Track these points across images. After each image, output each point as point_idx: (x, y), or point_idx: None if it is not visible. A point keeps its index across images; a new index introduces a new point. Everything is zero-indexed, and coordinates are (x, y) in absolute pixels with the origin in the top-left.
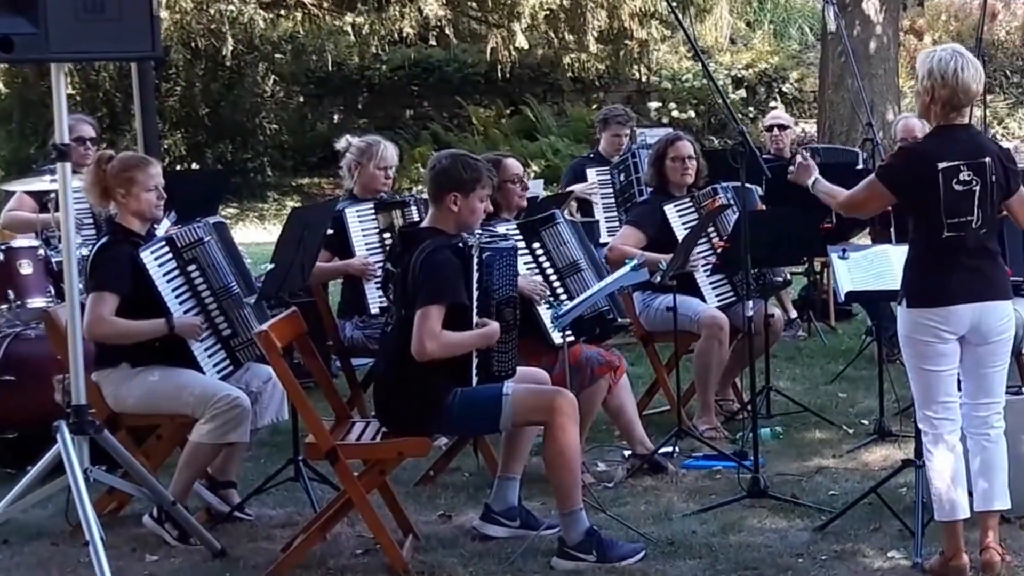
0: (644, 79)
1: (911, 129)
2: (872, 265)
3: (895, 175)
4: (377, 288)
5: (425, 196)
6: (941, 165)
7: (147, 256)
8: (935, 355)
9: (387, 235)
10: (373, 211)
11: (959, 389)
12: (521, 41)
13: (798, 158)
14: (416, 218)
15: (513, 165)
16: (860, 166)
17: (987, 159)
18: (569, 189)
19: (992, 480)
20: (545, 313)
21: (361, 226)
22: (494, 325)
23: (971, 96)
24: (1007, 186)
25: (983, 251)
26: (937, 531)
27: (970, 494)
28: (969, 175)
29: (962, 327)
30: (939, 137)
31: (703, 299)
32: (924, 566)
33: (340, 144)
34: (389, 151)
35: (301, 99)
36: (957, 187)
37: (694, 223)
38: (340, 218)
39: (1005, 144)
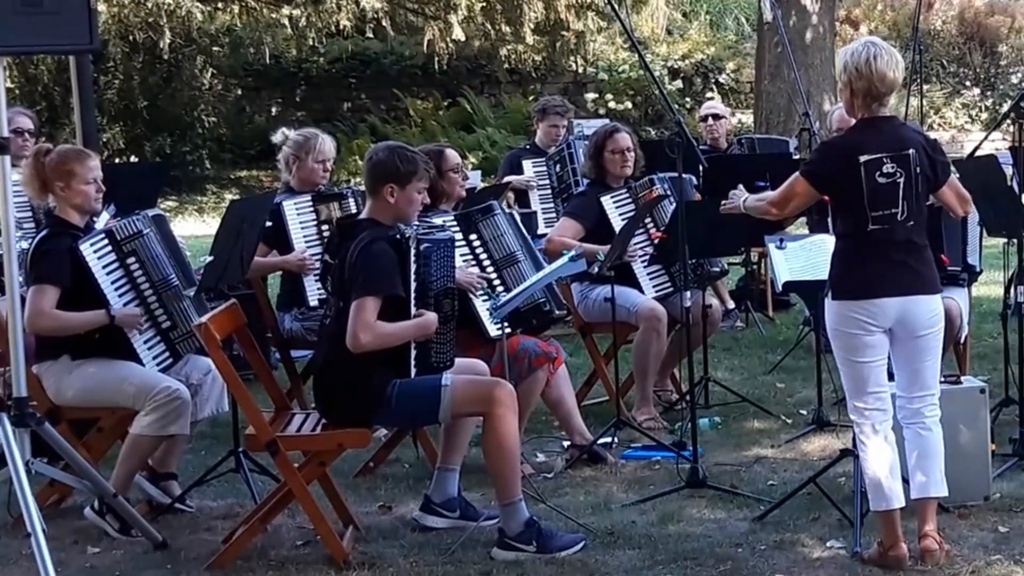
0: (581, 70)
1: (847, 119)
2: (810, 255)
3: (816, 171)
4: (316, 280)
5: (363, 188)
6: (863, 158)
7: (86, 249)
8: (862, 347)
9: (325, 227)
10: (311, 203)
11: (891, 379)
12: (458, 33)
13: (729, 198)
14: (354, 210)
15: (454, 155)
16: (793, 153)
17: (911, 151)
18: (506, 180)
19: (929, 468)
20: (482, 305)
21: (299, 219)
22: (431, 316)
23: (888, 84)
24: (934, 178)
25: (910, 245)
26: (876, 521)
27: (907, 483)
28: (893, 167)
29: (887, 320)
30: (862, 130)
31: (641, 290)
32: (863, 556)
33: (276, 137)
34: (327, 144)
35: (239, 92)
36: (880, 179)
37: (631, 214)
38: (278, 211)
39: (941, 134)
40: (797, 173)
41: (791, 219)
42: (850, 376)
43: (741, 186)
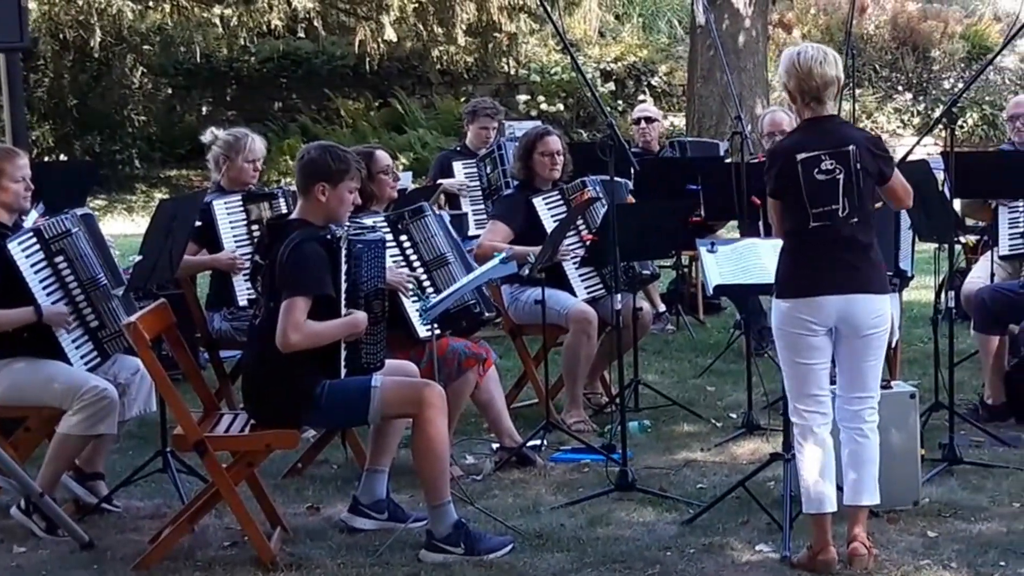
0: (513, 72)
1: (778, 123)
2: (740, 259)
3: (769, 180)
4: (245, 280)
5: (293, 188)
6: (800, 156)
7: (14, 247)
8: (806, 348)
9: (255, 227)
10: (241, 203)
11: (833, 383)
12: (390, 34)
13: None
14: (284, 210)
15: (384, 157)
16: (724, 157)
17: (851, 147)
18: (438, 183)
19: (862, 475)
20: (412, 306)
21: (229, 218)
22: (360, 315)
23: (820, 79)
24: (879, 173)
25: (853, 242)
26: (805, 525)
27: (840, 488)
28: (831, 164)
29: (830, 319)
30: (802, 130)
31: (572, 292)
32: (792, 560)
33: (206, 137)
34: (256, 144)
35: (169, 91)
36: (819, 176)
37: (563, 216)
38: (208, 210)
39: None
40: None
41: (722, 223)
42: (792, 377)
43: None
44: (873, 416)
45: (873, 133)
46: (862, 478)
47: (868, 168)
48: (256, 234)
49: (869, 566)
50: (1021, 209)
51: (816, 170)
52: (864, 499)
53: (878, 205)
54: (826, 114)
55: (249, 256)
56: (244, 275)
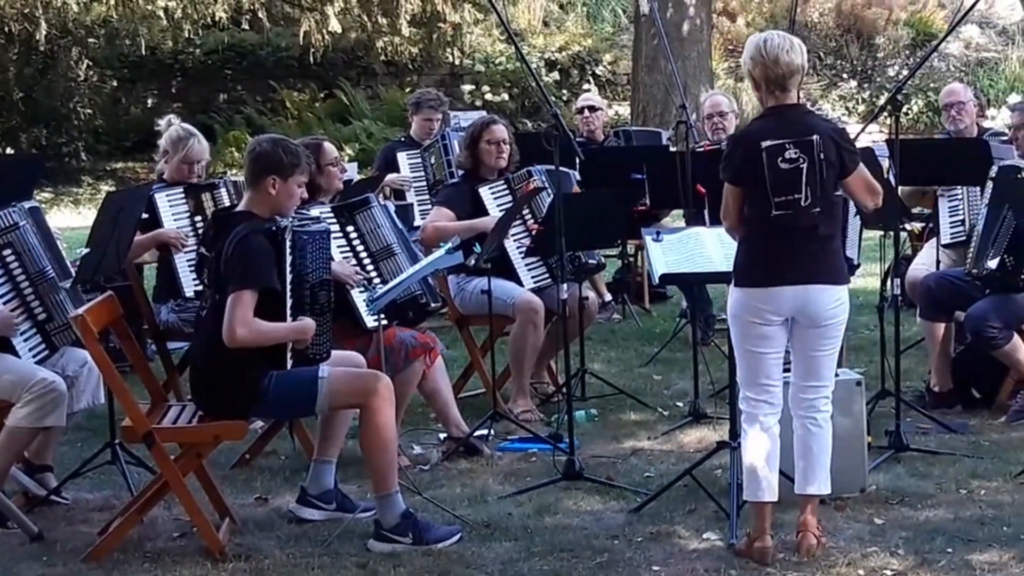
0: (457, 62)
1: (717, 104)
2: (686, 248)
3: (729, 167)
4: (191, 271)
5: (235, 178)
6: (765, 144)
7: None
8: (759, 337)
9: (198, 218)
10: (183, 195)
11: (787, 371)
12: (334, 25)
13: None
14: (226, 200)
15: (331, 149)
16: (667, 145)
17: (815, 137)
18: (382, 175)
19: (813, 464)
20: (359, 297)
21: (172, 210)
22: (308, 321)
23: (784, 67)
24: (841, 165)
25: (815, 233)
26: (748, 511)
27: (791, 477)
28: (795, 153)
29: (786, 309)
30: (766, 118)
31: (518, 282)
32: (736, 548)
33: (163, 123)
34: (197, 148)
35: (115, 83)
36: (783, 165)
37: (509, 206)
38: (151, 202)
39: None
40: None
41: (666, 211)
42: (744, 364)
43: None
44: (827, 406)
45: (839, 125)
46: (813, 467)
47: (831, 159)
48: (199, 225)
49: (817, 554)
50: (960, 197)
51: (780, 158)
52: (812, 489)
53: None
54: (790, 102)
55: (193, 249)
56: (190, 266)
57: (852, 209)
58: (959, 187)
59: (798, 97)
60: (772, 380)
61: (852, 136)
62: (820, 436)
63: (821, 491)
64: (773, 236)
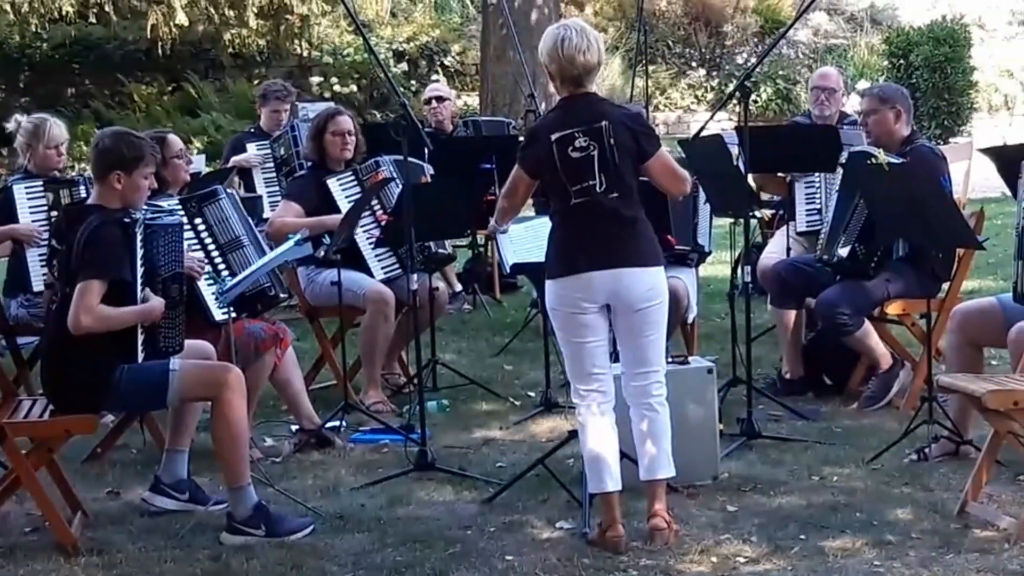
0: (306, 54)
1: None
2: (536, 237)
3: (525, 157)
4: (42, 265)
5: (90, 174)
6: (554, 136)
7: None
8: (579, 326)
9: (55, 212)
10: (42, 188)
11: (617, 360)
12: (181, 18)
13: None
14: (84, 196)
15: (176, 141)
16: (518, 135)
17: (603, 123)
18: (230, 164)
19: (657, 450)
20: (208, 289)
21: (29, 203)
22: (157, 302)
23: (583, 67)
24: (636, 149)
25: (617, 217)
26: (596, 502)
27: (636, 463)
28: (585, 140)
29: (600, 295)
30: (558, 110)
31: (368, 273)
32: (589, 537)
33: (11, 125)
34: (56, 130)
35: None
36: (574, 154)
37: (357, 197)
38: (8, 194)
39: (667, 115)
40: (517, 163)
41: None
42: (570, 356)
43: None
44: (660, 390)
45: (634, 109)
46: (656, 453)
47: (625, 144)
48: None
49: (670, 541)
50: (817, 185)
51: (570, 148)
52: (660, 473)
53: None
54: (582, 92)
55: (48, 243)
56: (40, 260)
57: (703, 196)
58: (816, 174)
59: (631, 86)
60: (600, 369)
61: (701, 125)
62: (658, 420)
63: (668, 475)
64: (577, 224)
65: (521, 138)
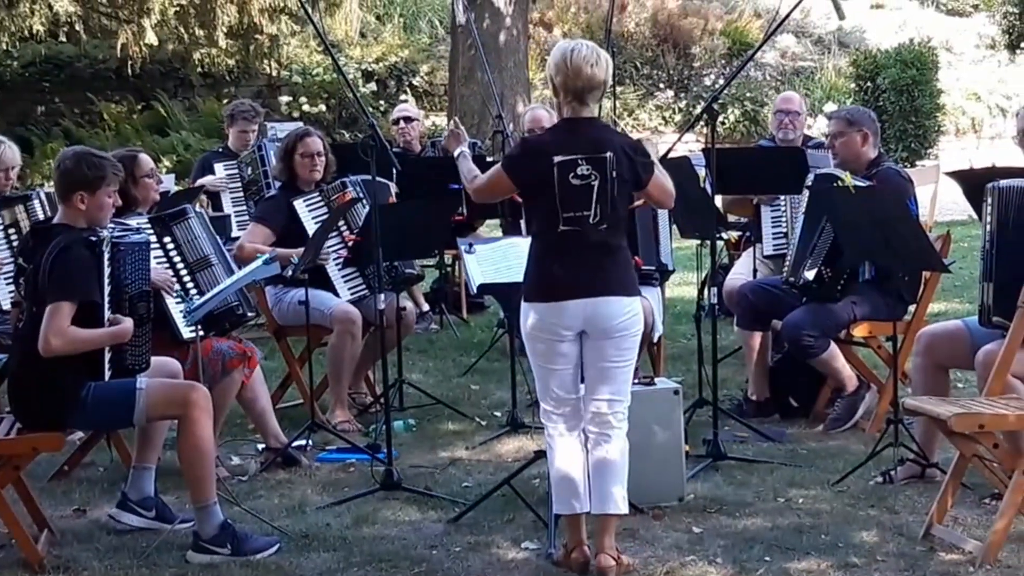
0: (275, 73)
1: (539, 119)
2: (503, 258)
3: (515, 166)
4: (7, 283)
5: (48, 190)
6: (557, 159)
7: None
8: (553, 353)
9: (12, 231)
10: None
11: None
12: (151, 37)
13: (450, 125)
14: (40, 213)
15: (147, 160)
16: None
17: (608, 153)
18: (199, 183)
19: (607, 483)
20: (176, 308)
21: None
22: (126, 323)
23: (586, 79)
24: (636, 179)
25: (603, 247)
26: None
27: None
28: (587, 169)
29: (576, 323)
30: (561, 130)
31: (336, 293)
32: (554, 558)
33: None
34: (9, 154)
35: None
36: (574, 181)
37: (325, 217)
38: None
39: (635, 136)
40: (498, 164)
41: (480, 221)
42: (541, 379)
43: (462, 129)
44: (622, 421)
45: (634, 138)
46: (606, 488)
47: (625, 175)
48: (13, 238)
49: (621, 573)
50: (783, 208)
51: (572, 174)
52: (611, 509)
53: (639, 203)
54: (586, 116)
55: (8, 261)
56: (6, 279)
57: (665, 216)
58: (782, 197)
59: (598, 113)
60: (571, 394)
61: (668, 146)
62: (612, 452)
63: (618, 511)
64: (561, 252)
65: (489, 159)
